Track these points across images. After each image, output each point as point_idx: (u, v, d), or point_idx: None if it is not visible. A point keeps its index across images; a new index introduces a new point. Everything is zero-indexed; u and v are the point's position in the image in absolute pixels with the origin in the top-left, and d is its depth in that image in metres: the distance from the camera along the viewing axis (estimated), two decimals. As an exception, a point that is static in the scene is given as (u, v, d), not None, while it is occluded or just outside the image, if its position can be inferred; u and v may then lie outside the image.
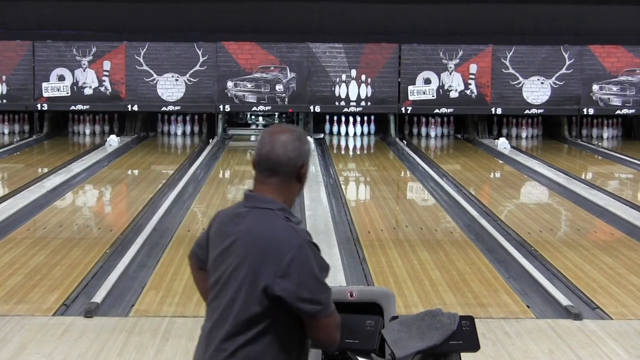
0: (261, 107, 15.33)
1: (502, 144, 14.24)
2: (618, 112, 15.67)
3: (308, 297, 2.49)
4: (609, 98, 15.55)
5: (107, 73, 15.27)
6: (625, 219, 8.69)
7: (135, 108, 15.29)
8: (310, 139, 14.20)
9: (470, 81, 15.43)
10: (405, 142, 15.04)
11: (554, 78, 15.47)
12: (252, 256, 2.53)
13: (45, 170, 11.73)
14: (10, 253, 7.24)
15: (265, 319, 2.52)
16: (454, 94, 15.45)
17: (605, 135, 16.01)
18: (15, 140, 15.03)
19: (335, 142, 15.43)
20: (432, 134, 15.90)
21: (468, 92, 15.44)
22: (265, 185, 2.64)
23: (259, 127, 16.32)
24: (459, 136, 16.09)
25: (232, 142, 15.42)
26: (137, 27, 15.48)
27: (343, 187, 10.88)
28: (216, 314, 2.59)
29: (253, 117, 16.27)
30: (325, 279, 2.56)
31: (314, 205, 9.12)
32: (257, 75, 15.26)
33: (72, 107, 15.36)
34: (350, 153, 14.85)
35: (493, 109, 15.47)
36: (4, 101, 15.26)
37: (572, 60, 15.42)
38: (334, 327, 2.59)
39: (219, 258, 2.62)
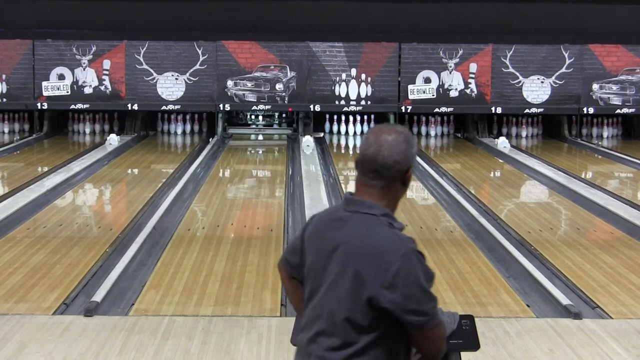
0: (261, 106, 15.33)
1: (502, 143, 14.24)
2: (618, 111, 15.67)
3: (414, 309, 2.41)
4: (609, 97, 15.55)
5: (107, 72, 15.27)
6: (625, 218, 8.69)
7: (135, 107, 15.29)
8: (310, 138, 14.21)
9: (470, 80, 15.43)
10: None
11: (554, 77, 15.46)
12: (356, 265, 2.44)
13: (45, 169, 11.72)
14: (11, 252, 7.24)
15: (373, 330, 2.44)
16: (454, 93, 15.44)
17: (605, 134, 16.02)
18: (15, 139, 15.02)
19: (335, 141, 15.43)
20: (432, 133, 15.91)
21: (468, 91, 15.44)
22: (368, 187, 2.56)
23: (258, 127, 16.33)
24: (459, 135, 16.09)
25: (232, 141, 15.42)
26: (137, 26, 15.48)
27: (343, 186, 10.87)
28: (319, 324, 2.49)
29: (253, 116, 16.26)
30: (431, 288, 2.47)
31: (314, 204, 9.11)
32: (257, 74, 15.25)
33: (72, 106, 15.36)
34: (350, 152, 14.84)
35: (493, 108, 15.47)
36: (4, 100, 15.26)
37: (572, 60, 15.41)
38: (439, 337, 2.50)
39: (319, 263, 2.54)
